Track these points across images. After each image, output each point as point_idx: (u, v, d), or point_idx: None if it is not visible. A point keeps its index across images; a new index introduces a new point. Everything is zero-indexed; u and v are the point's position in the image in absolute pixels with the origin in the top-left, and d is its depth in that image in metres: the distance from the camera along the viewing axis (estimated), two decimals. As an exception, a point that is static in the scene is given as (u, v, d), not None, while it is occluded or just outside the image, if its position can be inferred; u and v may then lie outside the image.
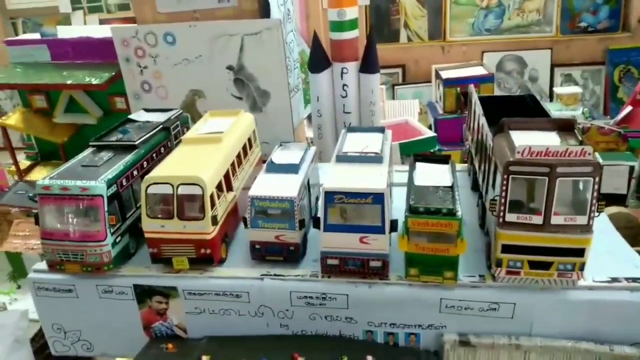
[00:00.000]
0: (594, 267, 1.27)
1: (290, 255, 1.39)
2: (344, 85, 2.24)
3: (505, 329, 1.30)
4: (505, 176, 1.16)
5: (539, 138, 1.25)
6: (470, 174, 1.79)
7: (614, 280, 1.27)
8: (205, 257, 1.36)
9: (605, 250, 1.37)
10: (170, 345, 1.41)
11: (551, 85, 3.83)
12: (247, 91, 2.10)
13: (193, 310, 1.41)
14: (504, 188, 1.17)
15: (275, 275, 1.37)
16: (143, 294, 1.41)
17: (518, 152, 1.15)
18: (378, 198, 1.25)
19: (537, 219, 1.18)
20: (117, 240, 1.40)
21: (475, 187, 1.70)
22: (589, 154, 1.12)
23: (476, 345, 1.31)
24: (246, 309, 1.39)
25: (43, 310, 1.49)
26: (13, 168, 2.65)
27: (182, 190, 1.31)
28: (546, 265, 1.22)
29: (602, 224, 1.50)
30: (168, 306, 1.42)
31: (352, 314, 1.35)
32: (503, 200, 1.19)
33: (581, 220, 1.17)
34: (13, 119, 2.48)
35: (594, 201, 1.15)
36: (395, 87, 3.99)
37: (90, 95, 2.44)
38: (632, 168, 2.58)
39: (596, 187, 1.14)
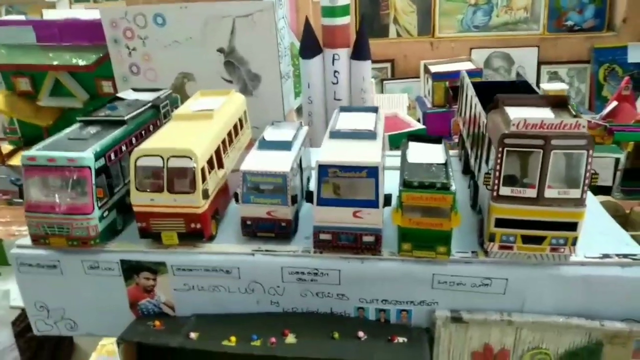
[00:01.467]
0: (586, 245, 1.27)
1: (282, 231, 1.37)
2: (335, 71, 2.23)
3: (498, 305, 1.30)
4: (500, 149, 1.16)
5: (533, 113, 1.25)
6: (461, 158, 1.79)
7: (606, 256, 1.28)
8: (195, 232, 1.34)
9: (596, 230, 1.38)
10: (157, 323, 1.38)
11: (538, 83, 3.88)
12: (237, 74, 2.08)
13: (182, 287, 1.39)
14: (499, 161, 1.17)
15: (266, 251, 1.35)
16: (130, 269, 1.38)
17: (513, 125, 1.15)
18: (372, 171, 1.24)
19: (531, 192, 1.18)
20: (104, 214, 1.36)
21: (466, 170, 1.70)
22: (583, 126, 1.13)
23: (468, 322, 1.30)
24: (236, 286, 1.36)
25: (26, 288, 1.45)
26: (-5, 152, 2.60)
27: (172, 163, 1.28)
28: (539, 240, 1.22)
29: (593, 205, 1.51)
30: (156, 282, 1.39)
31: (343, 290, 1.34)
32: (497, 174, 1.18)
33: (574, 193, 1.17)
34: (-4, 101, 2.43)
35: (588, 174, 1.15)
36: (384, 81, 3.99)
37: (76, 78, 2.39)
38: (617, 160, 2.62)
39: (590, 160, 1.14)
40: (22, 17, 2.56)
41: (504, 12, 3.93)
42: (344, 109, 1.61)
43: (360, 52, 2.21)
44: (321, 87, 2.26)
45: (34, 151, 1.31)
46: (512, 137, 1.15)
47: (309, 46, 2.18)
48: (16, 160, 2.55)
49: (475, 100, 1.50)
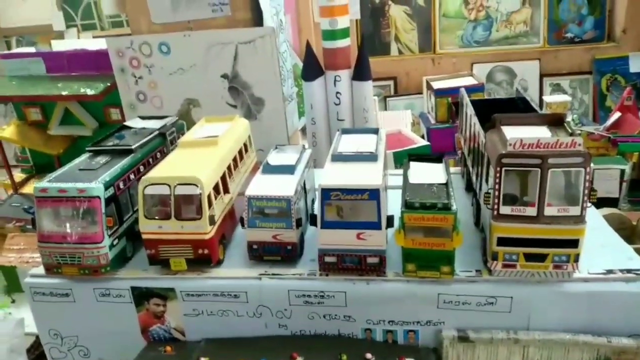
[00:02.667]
0: (589, 260, 1.28)
1: (288, 254, 1.40)
2: (337, 92, 2.27)
3: (503, 323, 1.31)
4: (498, 169, 1.18)
5: (530, 132, 1.27)
6: (464, 175, 1.81)
7: (609, 272, 1.28)
8: (203, 257, 1.37)
9: (599, 244, 1.39)
10: (168, 348, 1.40)
11: (541, 95, 3.89)
12: (241, 99, 2.13)
13: (191, 312, 1.41)
14: (497, 181, 1.19)
15: (273, 274, 1.37)
16: (141, 296, 1.40)
17: (510, 145, 1.17)
18: (374, 194, 1.26)
19: (531, 211, 1.20)
20: (114, 243, 1.40)
21: (469, 188, 1.72)
22: (579, 144, 1.15)
23: (475, 341, 1.31)
24: (244, 310, 1.39)
25: (40, 316, 1.48)
26: (8, 182, 2.65)
27: (179, 191, 1.32)
28: (541, 258, 1.23)
29: (595, 220, 1.52)
30: (166, 308, 1.41)
31: (350, 312, 1.35)
32: (497, 193, 1.20)
33: (574, 211, 1.18)
34: (8, 131, 2.48)
35: (586, 192, 1.17)
36: (387, 98, 4.02)
37: (85, 107, 2.46)
38: (622, 171, 2.62)
39: (588, 177, 1.16)
40: (32, 49, 2.64)
41: (503, 26, 3.96)
42: (345, 131, 1.64)
43: (361, 73, 2.25)
44: (324, 108, 2.29)
45: (45, 183, 1.35)
46: (510, 156, 1.17)
47: (311, 68, 2.23)
48: (28, 189, 2.61)
49: (474, 119, 1.52)
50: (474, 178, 1.55)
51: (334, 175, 1.34)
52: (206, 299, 1.38)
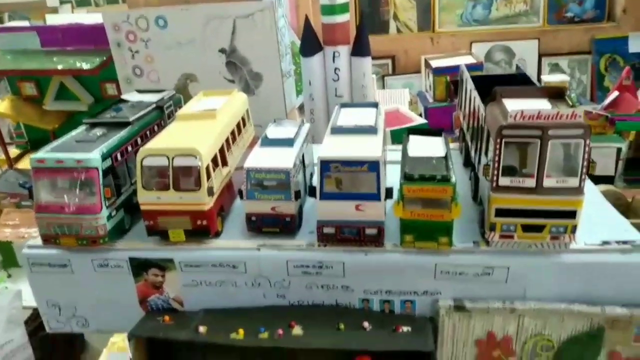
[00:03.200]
0: (586, 232, 1.30)
1: (286, 226, 1.40)
2: (336, 69, 2.26)
3: (500, 293, 1.32)
4: (499, 140, 1.18)
5: (530, 105, 1.27)
6: (462, 151, 1.81)
7: (606, 243, 1.29)
8: (202, 228, 1.37)
9: (596, 217, 1.40)
10: (167, 318, 1.41)
11: (539, 75, 3.88)
12: (239, 74, 2.11)
13: (190, 283, 1.42)
14: (497, 152, 1.19)
15: (271, 245, 1.37)
16: (139, 267, 1.41)
17: (511, 116, 1.17)
18: (373, 166, 1.26)
19: (530, 182, 1.20)
20: (112, 214, 1.39)
21: (467, 163, 1.72)
22: (579, 116, 1.15)
23: (471, 310, 1.33)
24: (243, 280, 1.39)
25: (37, 287, 1.48)
26: (3, 157, 2.63)
27: (178, 162, 1.31)
28: (539, 229, 1.24)
29: (592, 194, 1.53)
30: (164, 279, 1.42)
31: (348, 282, 1.36)
32: (496, 165, 1.20)
33: (572, 182, 1.19)
34: (2, 106, 2.46)
35: (585, 163, 1.17)
36: (385, 77, 4.01)
37: (80, 81, 2.43)
38: (619, 150, 2.63)
39: (587, 149, 1.16)
40: (25, 23, 2.59)
41: (503, 5, 3.93)
42: (344, 106, 1.63)
43: (360, 49, 2.23)
44: (322, 85, 2.28)
45: (42, 153, 1.34)
46: (510, 128, 1.17)
47: (309, 44, 2.21)
48: (23, 164, 2.60)
49: (475, 93, 1.52)
50: (472, 152, 1.55)
51: (333, 147, 1.34)
52: (205, 270, 1.39)
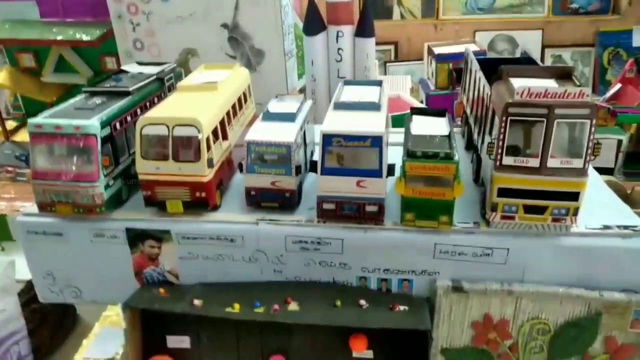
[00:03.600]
0: (587, 216, 1.28)
1: (286, 201, 1.38)
2: (339, 49, 2.23)
3: (498, 275, 1.31)
4: (504, 118, 1.17)
5: (537, 83, 1.25)
6: (464, 135, 1.80)
7: (606, 227, 1.29)
8: (200, 200, 1.35)
9: (598, 202, 1.39)
10: (162, 290, 1.40)
11: (541, 66, 3.86)
12: (241, 50, 2.08)
13: (186, 256, 1.40)
14: (502, 131, 1.18)
15: (270, 220, 1.36)
16: (135, 237, 1.39)
17: (517, 94, 1.15)
18: (376, 141, 1.25)
19: (534, 162, 1.19)
20: (110, 183, 1.38)
21: (468, 147, 1.71)
22: (587, 95, 1.13)
23: (468, 291, 1.32)
24: (240, 254, 1.38)
25: (32, 255, 1.46)
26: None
27: (178, 132, 1.29)
28: (541, 210, 1.23)
29: (594, 179, 1.52)
30: (160, 251, 1.40)
31: (346, 259, 1.35)
32: (501, 143, 1.19)
33: (577, 163, 1.18)
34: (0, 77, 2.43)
35: (590, 144, 1.16)
36: (387, 64, 3.98)
37: (80, 54, 2.40)
38: (620, 142, 2.62)
39: (593, 130, 1.15)
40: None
41: (508, -6, 3.91)
42: (347, 83, 1.61)
43: (364, 30, 2.21)
44: (324, 65, 2.25)
45: (40, 119, 1.32)
46: (516, 106, 1.15)
47: (313, 23, 2.17)
48: (20, 137, 2.57)
49: (480, 74, 1.50)
50: (475, 134, 1.53)
51: (336, 121, 1.32)
52: (202, 243, 1.37)
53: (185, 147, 1.31)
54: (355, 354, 1.38)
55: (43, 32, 2.27)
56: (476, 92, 1.54)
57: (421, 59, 3.78)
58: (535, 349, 1.35)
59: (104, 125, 1.33)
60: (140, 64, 1.79)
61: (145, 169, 1.32)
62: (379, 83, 1.59)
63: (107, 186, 1.36)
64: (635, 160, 2.77)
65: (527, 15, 3.91)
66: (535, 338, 1.35)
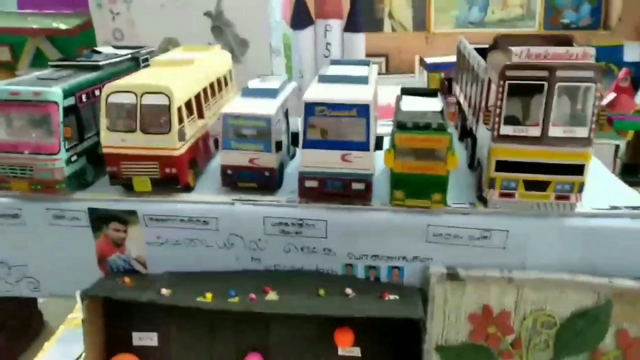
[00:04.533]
0: (592, 198, 1.18)
1: (265, 181, 1.27)
2: (327, 44, 2.15)
3: (497, 261, 1.19)
4: (502, 82, 1.07)
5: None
6: (458, 127, 1.70)
7: (614, 208, 1.18)
8: (170, 177, 1.23)
9: (603, 185, 1.30)
10: (127, 280, 1.26)
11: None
12: (224, 39, 1.99)
13: (154, 240, 1.27)
14: (500, 97, 1.08)
15: (248, 200, 1.24)
16: (99, 220, 1.26)
17: (516, 55, 1.06)
18: (363, 110, 1.15)
19: (534, 131, 1.09)
20: (73, 159, 1.26)
21: (462, 137, 1.61)
22: (591, 56, 1.04)
23: (465, 279, 1.20)
24: (214, 239, 1.25)
25: (-15, 241, 1.33)
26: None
27: (146, 100, 1.18)
28: (543, 186, 1.12)
29: (596, 164, 1.42)
30: (127, 235, 1.27)
31: (330, 244, 1.23)
32: (498, 111, 1.09)
33: (581, 132, 1.08)
34: (-29, 70, 2.32)
35: (595, 111, 1.06)
36: (378, 76, 3.92)
37: (57, 46, 2.30)
38: (617, 147, 2.55)
39: (597, 94, 1.05)
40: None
41: (499, 8, 3.89)
42: (334, 62, 1.52)
43: (353, 24, 2.13)
44: (312, 61, 2.17)
45: (-4, 85, 1.21)
46: (515, 68, 1.06)
47: (300, 16, 2.10)
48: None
49: (474, 53, 1.42)
50: (470, 118, 1.44)
51: (320, 90, 1.22)
52: (172, 225, 1.25)
53: (155, 118, 1.19)
54: (341, 351, 1.25)
55: (18, 22, 2.18)
56: (470, 74, 1.45)
57: (412, 72, 3.74)
58: (540, 345, 1.22)
59: (67, 94, 1.22)
60: (115, 47, 1.70)
61: (111, 141, 1.20)
62: (367, 62, 1.50)
63: (68, 161, 1.24)
64: (632, 171, 2.71)
65: (518, 30, 3.89)
66: (540, 332, 1.22)
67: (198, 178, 1.36)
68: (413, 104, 1.33)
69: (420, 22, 3.96)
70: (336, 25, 2.13)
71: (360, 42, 2.17)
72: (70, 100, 1.23)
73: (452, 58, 3.44)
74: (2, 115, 1.20)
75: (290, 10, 3.20)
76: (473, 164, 1.37)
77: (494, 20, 3.91)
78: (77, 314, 1.72)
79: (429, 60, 3.25)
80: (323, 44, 2.17)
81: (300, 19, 2.13)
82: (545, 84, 1.05)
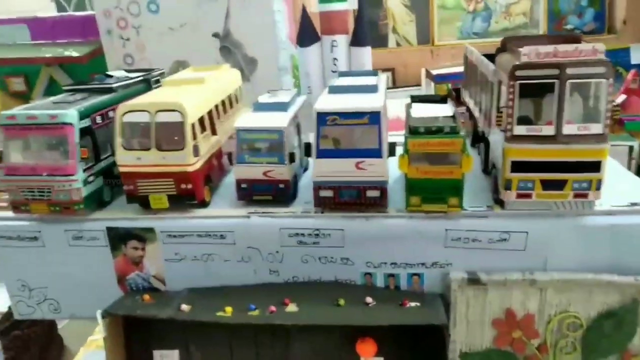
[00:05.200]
0: (610, 195, 1.17)
1: (280, 193, 1.27)
2: (334, 59, 2.17)
3: (518, 263, 1.18)
4: (512, 83, 1.07)
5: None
6: (470, 135, 1.70)
7: (634, 204, 1.16)
8: (186, 193, 1.24)
9: (620, 183, 1.28)
10: (146, 297, 1.27)
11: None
12: (233, 59, 2.03)
13: (172, 257, 1.28)
14: (511, 97, 1.08)
15: (263, 212, 1.24)
16: (117, 238, 1.27)
17: (525, 55, 1.06)
18: (374, 117, 1.15)
19: (548, 130, 1.08)
20: (89, 179, 1.27)
21: (474, 142, 1.61)
22: (601, 52, 1.04)
23: (487, 283, 1.18)
24: (231, 253, 1.25)
25: (6, 264, 1.34)
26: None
27: (160, 118, 1.20)
28: (560, 185, 1.12)
29: (612, 162, 1.40)
30: (145, 253, 1.28)
31: (348, 253, 1.23)
32: (510, 112, 1.09)
33: (595, 129, 1.07)
34: (-12, 101, 2.38)
35: (609, 106, 1.06)
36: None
37: (70, 75, 2.35)
38: (631, 148, 2.52)
39: (610, 89, 1.05)
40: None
41: (503, 18, 3.91)
42: (342, 74, 1.54)
43: (359, 38, 2.15)
44: (320, 76, 2.18)
45: (13, 110, 1.23)
46: (524, 68, 1.06)
47: (307, 34, 2.13)
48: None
49: (481, 58, 1.42)
50: (481, 122, 1.44)
51: (330, 100, 1.23)
52: (189, 241, 1.25)
53: (169, 135, 1.21)
54: (363, 362, 1.23)
55: (32, 52, 2.23)
56: (479, 79, 1.46)
57: (419, 85, 3.75)
58: (566, 349, 1.20)
59: (82, 116, 1.24)
60: (128, 71, 1.73)
61: (127, 160, 1.22)
62: (374, 73, 1.51)
63: (85, 182, 1.25)
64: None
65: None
66: (566, 335, 1.19)
67: (213, 194, 1.37)
68: (424, 110, 1.33)
69: (424, 36, 3.99)
70: (342, 40, 2.15)
71: (366, 55, 2.18)
72: (86, 122, 1.26)
73: (458, 69, 3.45)
74: (20, 139, 1.22)
75: (296, 29, 3.27)
76: (487, 168, 1.36)
77: (498, 30, 3.93)
78: (97, 336, 1.72)
79: (435, 72, 3.28)
80: (330, 59, 2.19)
81: (306, 36, 2.15)
82: (557, 81, 1.05)
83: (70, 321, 2.20)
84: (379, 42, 4.01)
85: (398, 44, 4.04)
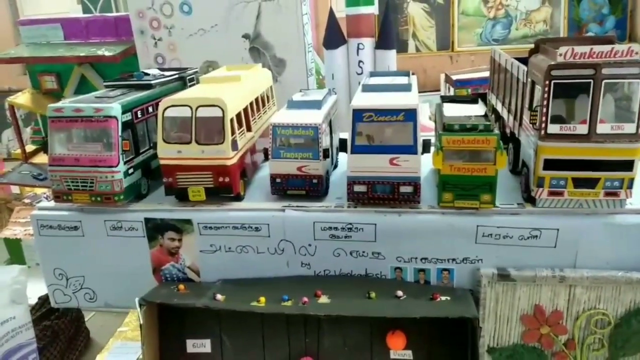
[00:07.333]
0: (640, 195, 1.18)
1: (313, 188, 1.30)
2: (360, 61, 2.21)
3: (548, 260, 1.20)
4: (547, 82, 1.09)
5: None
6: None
7: (665, 203, 1.18)
8: (223, 186, 1.28)
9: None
10: (181, 287, 1.30)
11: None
12: (262, 60, 2.07)
13: (208, 249, 1.31)
14: (546, 96, 1.10)
15: (297, 206, 1.28)
16: (155, 229, 1.31)
17: (560, 55, 1.09)
18: (410, 115, 1.18)
19: (582, 129, 1.10)
20: (130, 171, 1.31)
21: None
22: (637, 53, 1.06)
23: (516, 279, 1.20)
24: (265, 245, 1.29)
25: (45, 253, 1.39)
26: (18, 151, 2.59)
27: (201, 113, 1.24)
28: (592, 183, 1.13)
29: None
30: (181, 244, 1.32)
31: (379, 247, 1.25)
32: (545, 110, 1.11)
33: (629, 128, 1.09)
34: (22, 98, 2.44)
35: (643, 107, 1.08)
36: (404, 95, 3.98)
37: (102, 74, 2.41)
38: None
39: (644, 90, 1.07)
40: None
41: (523, 25, 3.93)
42: (374, 74, 1.57)
43: (385, 41, 2.20)
44: (345, 78, 2.23)
45: (60, 103, 1.28)
46: (560, 68, 1.09)
47: (333, 36, 2.17)
48: (39, 159, 2.55)
49: (511, 60, 1.45)
50: (510, 121, 1.46)
51: (366, 97, 1.26)
52: (225, 233, 1.29)
53: (209, 129, 1.25)
54: (393, 354, 1.25)
55: (66, 51, 2.30)
56: (509, 79, 1.48)
57: (438, 90, 3.77)
58: (594, 345, 1.21)
59: (125, 110, 1.29)
60: (161, 69, 1.78)
61: (167, 153, 1.26)
62: (407, 73, 1.54)
63: (126, 174, 1.29)
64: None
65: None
66: (594, 332, 1.21)
67: (247, 189, 1.40)
68: (456, 110, 1.36)
69: (444, 41, 4.02)
70: (368, 43, 2.19)
71: (392, 58, 2.22)
72: (128, 116, 1.30)
73: (478, 74, 3.48)
74: (66, 130, 1.27)
75: (318, 32, 3.31)
76: (516, 168, 1.38)
77: (518, 36, 3.95)
78: (126, 327, 1.76)
79: (455, 77, 3.30)
80: (355, 61, 2.24)
81: (333, 38, 2.20)
82: (591, 81, 1.07)
83: (96, 314, 2.25)
84: (399, 47, 4.05)
85: (417, 50, 4.07)
